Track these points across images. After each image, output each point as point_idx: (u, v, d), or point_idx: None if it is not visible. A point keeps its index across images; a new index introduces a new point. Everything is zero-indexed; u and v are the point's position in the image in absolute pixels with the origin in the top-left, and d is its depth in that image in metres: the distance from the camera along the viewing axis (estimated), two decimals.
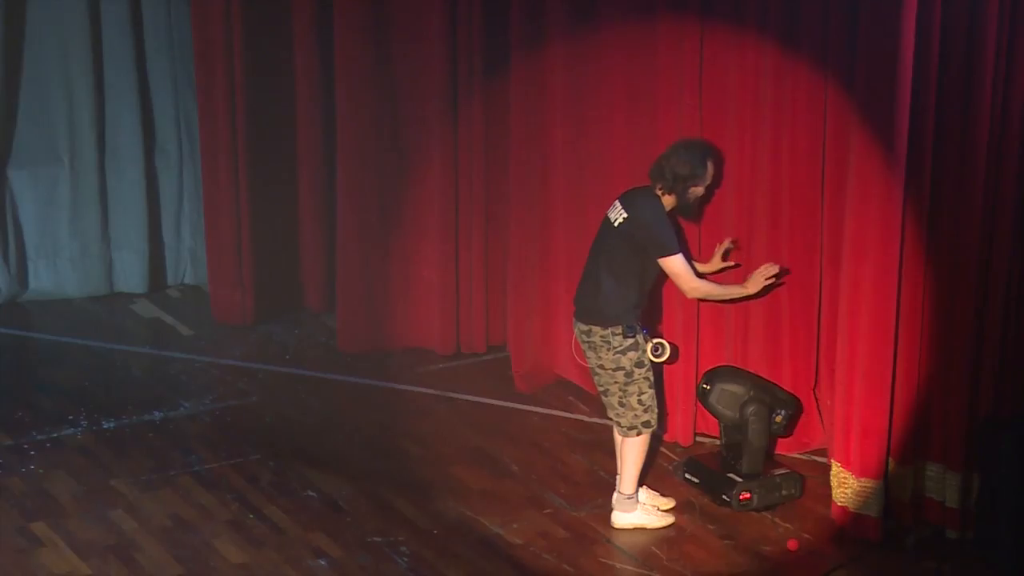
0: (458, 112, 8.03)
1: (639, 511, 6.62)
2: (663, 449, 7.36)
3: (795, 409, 6.95)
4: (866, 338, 6.38)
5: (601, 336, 6.46)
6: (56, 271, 9.04)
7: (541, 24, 7.65)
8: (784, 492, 6.85)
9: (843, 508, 6.60)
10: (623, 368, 6.47)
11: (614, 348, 6.45)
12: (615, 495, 6.63)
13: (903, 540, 6.56)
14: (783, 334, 7.08)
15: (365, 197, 8.29)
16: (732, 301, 6.82)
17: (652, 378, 6.54)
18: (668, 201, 6.49)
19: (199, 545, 6.49)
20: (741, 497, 6.77)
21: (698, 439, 7.39)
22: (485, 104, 7.99)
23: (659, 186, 6.47)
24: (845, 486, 6.57)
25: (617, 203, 6.54)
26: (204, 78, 8.53)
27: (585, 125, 7.67)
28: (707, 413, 7.14)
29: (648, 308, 7.75)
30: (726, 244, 6.86)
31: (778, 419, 6.85)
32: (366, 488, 6.94)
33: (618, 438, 6.63)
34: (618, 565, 6.40)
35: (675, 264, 6.40)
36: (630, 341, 6.44)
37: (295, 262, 8.90)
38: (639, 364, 6.48)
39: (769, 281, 6.57)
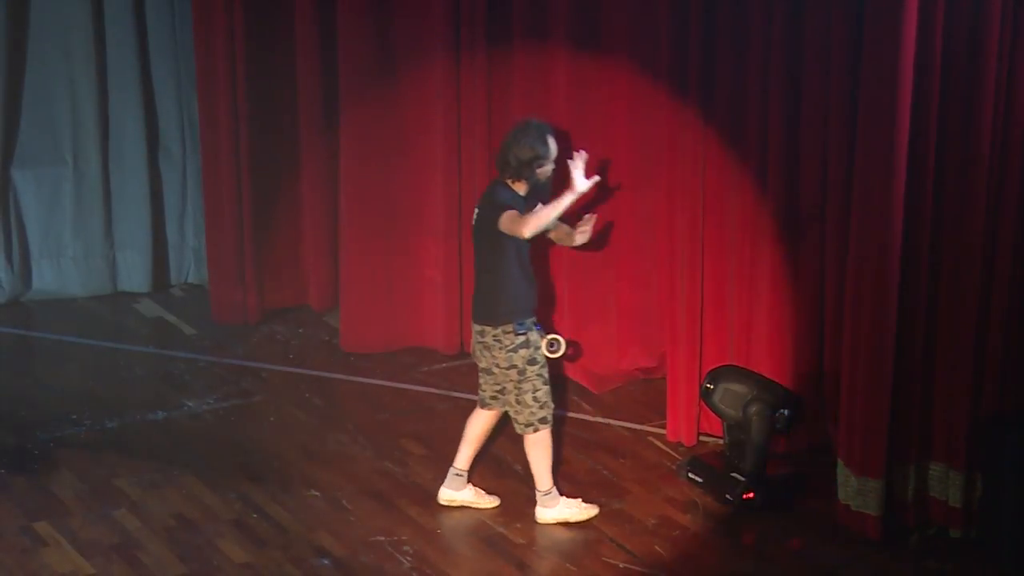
0: (461, 111, 8.02)
1: (561, 505, 6.63)
2: (666, 449, 7.36)
3: (798, 408, 6.94)
4: (868, 336, 6.37)
5: (493, 336, 6.46)
6: (60, 271, 9.04)
7: (544, 20, 7.65)
8: (787, 491, 6.85)
9: (846, 507, 6.60)
10: (516, 366, 6.47)
11: (506, 347, 6.45)
12: (537, 494, 6.65)
13: (906, 539, 6.55)
14: (786, 333, 7.08)
15: (368, 196, 8.29)
16: (559, 214, 6.49)
17: (547, 375, 6.53)
18: (521, 187, 6.48)
19: (202, 544, 6.49)
20: (744, 496, 6.77)
21: (701, 439, 7.39)
22: (488, 102, 7.99)
23: (507, 176, 6.48)
24: (847, 485, 6.57)
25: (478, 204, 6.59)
26: (205, 77, 8.53)
27: (587, 122, 7.67)
28: (710, 413, 7.14)
29: (646, 309, 7.80)
30: (586, 218, 6.75)
31: (781, 418, 6.85)
32: (369, 487, 6.94)
33: (482, 421, 6.69)
34: (621, 564, 6.40)
35: (506, 219, 6.32)
36: (521, 339, 6.45)
37: (297, 261, 8.90)
38: (532, 361, 6.48)
39: (592, 180, 6.41)
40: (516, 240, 6.39)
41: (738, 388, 6.88)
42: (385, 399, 7.89)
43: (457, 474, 6.77)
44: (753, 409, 6.80)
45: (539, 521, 6.64)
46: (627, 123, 7.66)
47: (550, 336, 6.52)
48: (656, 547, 6.52)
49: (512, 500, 6.86)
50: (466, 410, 7.73)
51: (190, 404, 7.78)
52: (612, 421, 7.64)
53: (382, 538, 6.56)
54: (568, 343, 6.61)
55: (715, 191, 7.13)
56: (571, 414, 7.73)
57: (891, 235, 6.24)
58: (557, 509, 6.63)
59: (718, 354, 7.27)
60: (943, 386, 6.45)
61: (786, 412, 6.85)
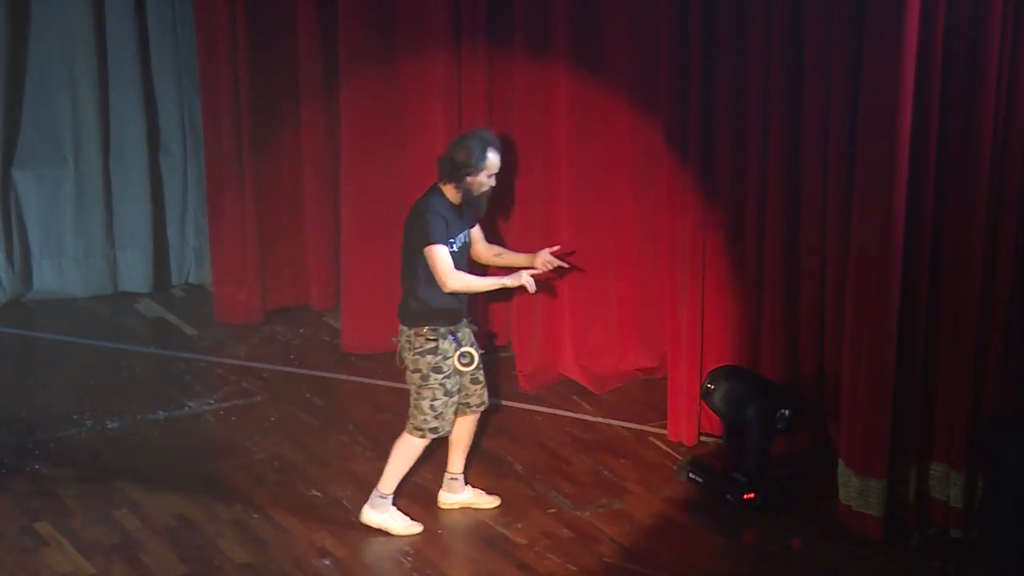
0: (462, 110, 8.02)
1: (388, 515, 6.56)
2: (667, 449, 7.36)
3: (799, 408, 6.94)
4: (870, 337, 6.37)
5: (406, 336, 6.42)
6: (60, 271, 9.04)
7: (545, 15, 7.65)
8: (788, 491, 6.85)
9: (847, 507, 6.60)
10: (419, 370, 6.40)
11: (414, 348, 6.39)
12: (374, 491, 6.59)
13: (907, 539, 6.55)
14: (787, 333, 7.08)
15: (369, 197, 8.29)
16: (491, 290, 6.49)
17: (451, 387, 6.43)
18: (452, 193, 6.35)
19: (204, 544, 6.49)
20: (745, 496, 6.77)
21: (702, 439, 7.39)
22: (489, 101, 7.99)
23: (442, 177, 6.36)
24: (848, 485, 6.57)
25: None
26: (208, 77, 8.54)
27: (589, 125, 7.67)
28: (711, 413, 7.14)
29: (647, 309, 7.80)
30: (546, 254, 6.55)
31: (782, 419, 6.85)
32: (370, 488, 6.93)
33: (461, 423, 6.63)
34: (622, 565, 6.40)
35: (431, 254, 6.24)
36: (431, 345, 6.36)
37: (299, 261, 8.90)
38: (436, 369, 6.38)
39: (530, 285, 6.28)
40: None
41: (739, 388, 6.87)
42: (386, 399, 7.89)
43: (452, 478, 6.77)
44: (753, 409, 6.80)
45: (361, 519, 6.57)
46: (628, 123, 7.67)
47: (463, 349, 6.40)
48: (656, 547, 6.52)
49: (513, 500, 6.86)
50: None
51: (191, 404, 7.78)
52: (613, 421, 7.64)
53: (383, 539, 6.56)
54: (481, 357, 6.46)
55: (716, 191, 7.13)
56: (571, 414, 7.73)
57: (892, 236, 6.24)
58: (382, 516, 6.55)
59: (719, 354, 7.27)
60: (944, 387, 6.45)
61: (787, 412, 6.85)
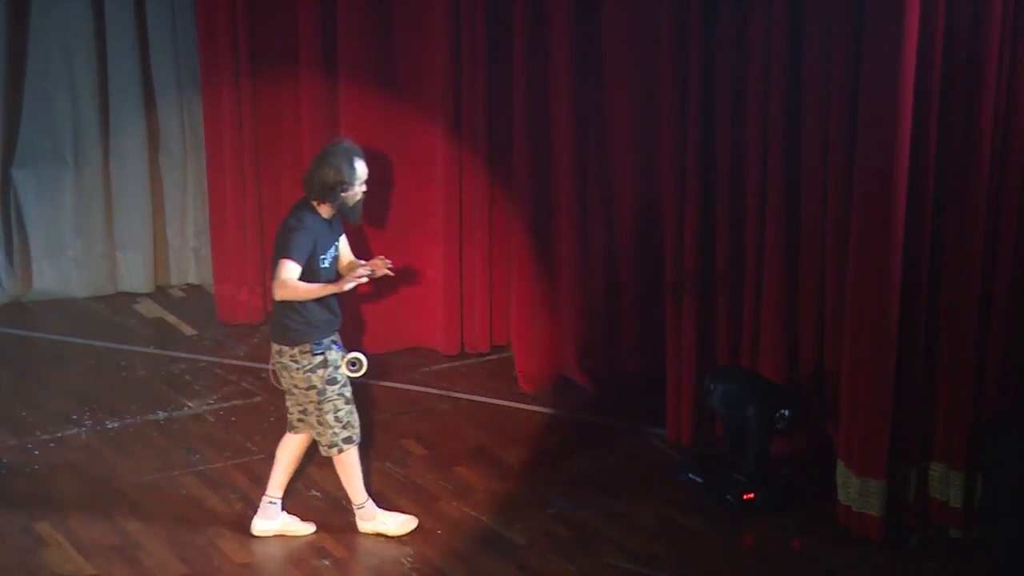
0: (461, 112, 8.02)
1: (378, 519, 6.52)
2: (667, 449, 7.36)
3: (798, 408, 6.94)
4: (870, 337, 6.37)
5: (290, 356, 6.31)
6: (60, 271, 9.04)
7: (545, 21, 7.65)
8: (788, 492, 6.85)
9: (847, 507, 6.60)
10: (315, 387, 6.33)
11: (303, 368, 6.30)
12: (354, 507, 6.56)
13: (907, 540, 6.55)
14: (786, 333, 7.08)
15: (368, 197, 8.27)
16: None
17: (349, 393, 6.38)
18: (326, 210, 6.30)
19: (203, 545, 6.49)
20: (745, 497, 6.77)
21: (701, 439, 7.38)
22: (488, 104, 7.99)
23: (312, 196, 6.31)
24: (848, 485, 6.57)
25: None
26: (209, 77, 8.54)
27: (588, 123, 7.67)
28: (711, 413, 7.14)
29: (647, 308, 7.79)
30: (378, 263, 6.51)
31: (781, 419, 6.85)
32: (370, 488, 6.94)
33: (293, 445, 6.53)
34: (621, 565, 6.40)
35: (282, 265, 6.16)
36: (319, 359, 6.29)
37: None
38: (331, 381, 6.33)
39: (361, 280, 6.27)
40: (309, 264, 6.21)
41: (738, 388, 6.87)
42: (385, 399, 7.89)
43: (271, 502, 6.57)
44: (753, 409, 6.80)
45: (360, 530, 6.54)
46: (628, 124, 7.66)
47: (351, 355, 6.32)
48: (656, 547, 6.52)
49: (512, 501, 6.86)
50: (466, 411, 7.76)
51: (191, 404, 7.78)
52: (612, 422, 7.64)
53: (382, 539, 6.55)
54: (370, 360, 6.40)
55: (716, 190, 7.13)
56: (571, 414, 7.73)
57: (892, 236, 6.24)
58: (374, 523, 6.54)
59: (719, 354, 7.27)
60: (944, 387, 6.45)
61: (786, 412, 6.85)
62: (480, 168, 8.10)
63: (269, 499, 6.57)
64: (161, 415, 7.65)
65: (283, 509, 6.59)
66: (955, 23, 6.12)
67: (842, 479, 6.61)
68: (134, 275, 9.12)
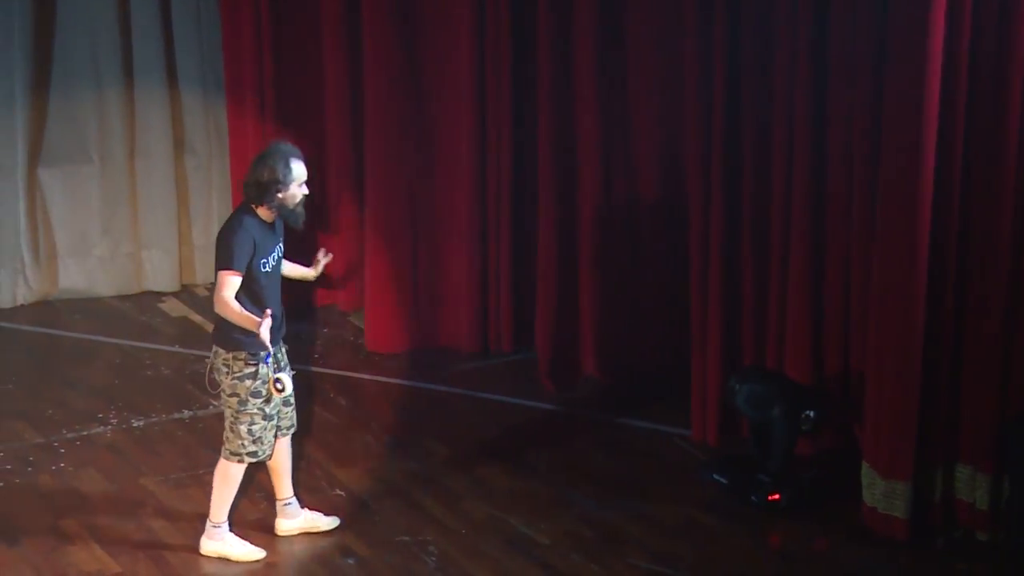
0: (486, 111, 8.02)
1: (224, 541, 6.39)
2: (691, 449, 7.34)
3: (824, 409, 6.92)
4: (895, 338, 6.35)
5: (223, 360, 6.24)
6: (86, 269, 9.08)
7: (569, 20, 7.65)
8: (813, 493, 6.83)
9: (872, 509, 6.58)
10: (238, 395, 6.24)
11: (233, 373, 6.23)
12: (208, 522, 6.42)
13: (932, 542, 6.53)
14: (812, 334, 7.05)
15: (393, 196, 8.30)
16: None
17: (269, 411, 6.28)
18: (265, 213, 6.18)
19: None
20: (770, 498, 6.76)
21: (726, 439, 7.37)
22: (513, 102, 7.99)
23: (250, 199, 6.20)
24: (873, 487, 6.55)
25: None
26: (233, 77, 8.56)
27: (613, 121, 7.67)
28: (736, 413, 7.13)
29: (672, 308, 7.78)
30: (320, 257, 6.57)
31: (807, 419, 6.83)
32: (394, 487, 6.95)
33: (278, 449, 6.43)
34: (645, 565, 6.39)
35: (222, 278, 6.08)
36: (251, 369, 6.20)
37: None
38: (255, 394, 6.23)
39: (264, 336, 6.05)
40: (248, 269, 6.14)
41: (763, 389, 6.85)
42: (410, 399, 7.90)
43: (286, 503, 6.55)
44: (778, 410, 6.78)
45: (201, 551, 6.40)
46: (653, 120, 7.65)
47: (276, 376, 6.17)
48: (680, 548, 6.51)
49: (536, 501, 6.86)
50: (490, 412, 7.76)
51: (216, 403, 7.79)
52: (636, 422, 7.63)
53: (407, 538, 6.56)
54: (294, 382, 6.28)
55: (741, 189, 7.11)
56: (595, 415, 7.72)
57: (918, 235, 6.22)
58: (219, 544, 6.40)
59: (744, 354, 7.25)
60: (970, 388, 6.42)
61: (812, 413, 6.83)
62: (504, 166, 8.10)
63: (284, 502, 6.56)
64: (186, 414, 7.67)
65: (304, 506, 6.58)
66: (982, 17, 6.09)
67: (867, 480, 6.59)
68: (159, 274, 9.15)
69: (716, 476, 6.99)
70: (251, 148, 8.55)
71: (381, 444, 7.40)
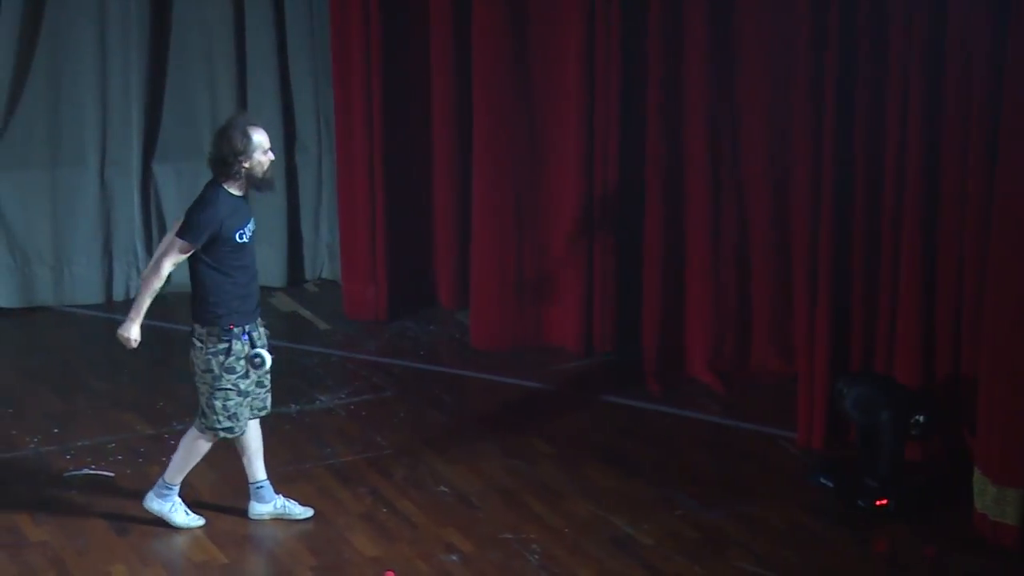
0: (594, 110, 8.01)
1: (171, 505, 6.45)
2: (796, 452, 7.27)
3: (934, 414, 6.81)
4: (1008, 340, 6.23)
5: (196, 335, 6.28)
6: None
7: (679, 21, 7.61)
8: (922, 498, 6.73)
9: (983, 516, 6.47)
10: (211, 371, 6.25)
11: (206, 349, 6.24)
12: (160, 480, 6.49)
13: None
14: (922, 337, 6.95)
15: (500, 194, 8.32)
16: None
17: (244, 387, 6.31)
18: (233, 186, 6.20)
19: (333, 537, 6.57)
20: (877, 503, 6.67)
21: (834, 443, 7.28)
22: (621, 101, 7.96)
23: (221, 177, 6.21)
24: (985, 493, 6.44)
25: None
26: (341, 76, 8.63)
27: (721, 123, 7.61)
28: (843, 417, 7.04)
29: (779, 310, 7.71)
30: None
31: (916, 424, 6.73)
32: (498, 484, 6.97)
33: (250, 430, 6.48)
34: (749, 568, 6.34)
35: (173, 244, 6.17)
36: (223, 346, 6.22)
37: (428, 258, 8.95)
38: (229, 370, 6.24)
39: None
40: (215, 247, 6.18)
41: (871, 392, 6.77)
42: (514, 397, 7.91)
43: (258, 487, 6.57)
44: (887, 414, 6.69)
45: (144, 505, 6.49)
46: (762, 118, 7.59)
47: (255, 351, 6.24)
48: (785, 552, 6.45)
49: (639, 501, 6.83)
50: (594, 410, 7.75)
51: (323, 399, 7.87)
52: (741, 423, 7.57)
53: (510, 536, 6.57)
54: (272, 357, 6.33)
55: (852, 192, 7.03)
56: (699, 415, 7.67)
57: None
58: (164, 506, 6.46)
59: (852, 357, 7.16)
60: None
61: (922, 418, 6.72)
62: (611, 165, 8.07)
63: (256, 484, 6.58)
64: (294, 408, 7.75)
65: (277, 493, 6.60)
66: None
67: (978, 487, 6.48)
68: (269, 269, 9.24)
69: (823, 479, 6.91)
70: (357, 148, 8.64)
71: (485, 441, 7.42)
